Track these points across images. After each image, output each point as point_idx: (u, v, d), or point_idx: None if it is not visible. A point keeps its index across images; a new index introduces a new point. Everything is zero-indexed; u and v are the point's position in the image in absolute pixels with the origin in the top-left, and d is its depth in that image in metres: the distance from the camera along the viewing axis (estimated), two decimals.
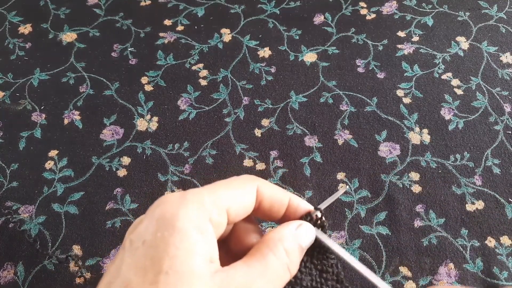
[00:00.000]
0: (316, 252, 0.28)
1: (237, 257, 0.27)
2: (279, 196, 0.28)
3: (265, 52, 0.82)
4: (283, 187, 0.65)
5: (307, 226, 0.27)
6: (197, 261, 0.21)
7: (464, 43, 0.83)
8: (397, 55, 0.81)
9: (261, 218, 0.29)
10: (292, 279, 0.26)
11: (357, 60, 0.81)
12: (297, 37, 0.84)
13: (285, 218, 0.29)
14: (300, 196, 0.65)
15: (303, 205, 0.29)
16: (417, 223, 0.63)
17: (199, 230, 0.22)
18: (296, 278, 0.26)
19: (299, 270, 0.26)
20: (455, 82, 0.77)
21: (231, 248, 0.28)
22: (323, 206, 0.30)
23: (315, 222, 0.29)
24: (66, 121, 0.75)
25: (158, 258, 0.20)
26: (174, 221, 0.21)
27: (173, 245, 0.21)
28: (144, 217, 0.23)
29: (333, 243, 0.28)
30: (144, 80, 0.79)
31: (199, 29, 0.86)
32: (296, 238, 0.26)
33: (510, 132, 0.72)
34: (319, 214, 0.29)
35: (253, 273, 0.23)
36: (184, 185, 0.67)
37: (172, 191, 0.67)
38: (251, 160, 0.70)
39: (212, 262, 0.22)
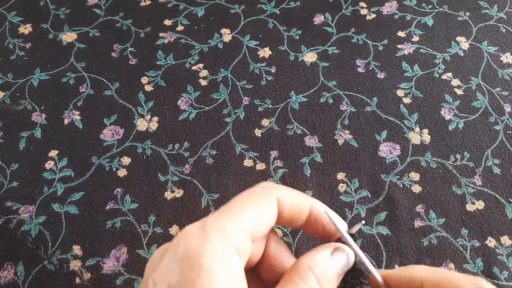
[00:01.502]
0: (350, 277, 0.25)
1: (270, 285, 0.25)
2: (300, 205, 0.26)
3: (265, 52, 0.82)
4: None
5: (345, 251, 0.25)
6: None
7: (464, 43, 0.83)
8: (397, 55, 0.81)
9: (281, 225, 0.27)
10: None
11: (357, 60, 0.81)
12: (297, 37, 0.84)
13: (307, 224, 0.27)
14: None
15: (323, 213, 0.27)
16: (417, 223, 0.63)
17: (226, 265, 0.21)
18: None
19: None
20: (455, 82, 0.77)
21: (263, 276, 0.27)
22: (354, 229, 0.27)
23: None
24: (66, 121, 0.75)
25: None
26: (199, 260, 0.20)
27: (200, 286, 0.19)
28: (165, 254, 0.22)
29: (372, 267, 0.25)
30: (144, 80, 0.79)
31: (199, 29, 0.86)
32: (331, 264, 0.24)
33: (510, 132, 0.72)
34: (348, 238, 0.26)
35: None
36: (184, 185, 0.67)
37: (172, 191, 0.67)
38: (251, 160, 0.70)
39: None
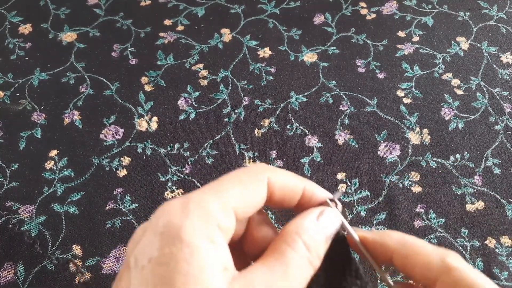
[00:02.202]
0: (333, 246, 0.25)
1: (253, 258, 0.25)
2: (292, 186, 0.25)
3: (265, 52, 0.82)
4: None
5: (331, 213, 0.25)
6: (211, 274, 0.20)
7: (464, 43, 0.83)
8: (397, 55, 0.81)
9: (273, 207, 0.26)
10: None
11: (357, 60, 0.81)
12: (297, 37, 0.84)
13: (300, 206, 0.26)
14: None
15: (318, 193, 0.26)
16: (417, 223, 0.63)
17: (208, 239, 0.20)
18: (313, 275, 0.23)
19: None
20: (455, 82, 0.77)
21: (246, 251, 0.26)
22: (336, 197, 0.27)
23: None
24: (66, 121, 0.75)
25: (169, 276, 0.19)
26: (180, 234, 0.20)
27: (183, 260, 0.19)
28: (146, 230, 0.21)
29: (355, 234, 0.25)
30: (144, 80, 0.79)
31: (199, 29, 0.86)
32: (318, 228, 0.24)
33: (510, 132, 0.72)
34: (333, 204, 0.26)
35: (274, 275, 0.21)
36: (184, 185, 0.67)
37: (172, 191, 0.67)
38: (251, 160, 0.70)
39: (227, 270, 0.20)
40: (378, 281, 0.58)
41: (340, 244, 0.26)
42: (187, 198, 0.22)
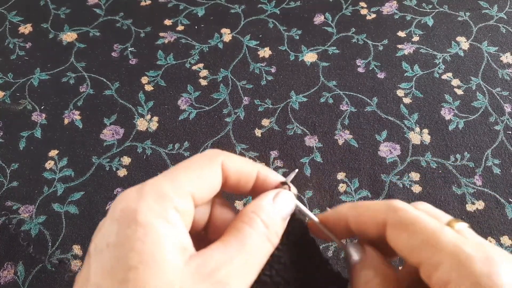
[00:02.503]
0: (292, 229, 0.26)
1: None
2: (246, 170, 0.26)
3: (265, 52, 0.82)
4: None
5: (286, 194, 0.26)
6: (166, 250, 0.20)
7: (464, 43, 0.83)
8: (397, 55, 0.81)
9: (229, 192, 0.27)
10: (270, 257, 0.24)
11: (357, 60, 0.81)
12: (297, 37, 0.84)
13: (255, 190, 0.27)
14: (299, 196, 0.64)
15: (272, 176, 0.27)
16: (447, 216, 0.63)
17: (164, 220, 0.21)
18: (273, 256, 0.24)
19: (276, 248, 0.25)
20: (455, 82, 0.77)
21: (211, 237, 0.27)
22: (289, 179, 0.28)
23: None
24: (66, 121, 0.75)
25: (124, 256, 0.19)
26: (135, 217, 0.20)
27: (138, 240, 0.19)
28: (105, 219, 0.22)
29: (312, 214, 0.27)
30: (144, 80, 0.79)
31: (199, 29, 0.86)
32: (275, 208, 0.25)
33: (510, 132, 0.71)
34: (287, 187, 0.28)
35: (230, 250, 0.21)
36: None
37: None
38: (251, 160, 0.70)
39: (185, 250, 0.21)
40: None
41: (298, 227, 0.27)
42: (143, 184, 0.22)
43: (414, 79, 0.78)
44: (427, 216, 0.23)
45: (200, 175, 0.24)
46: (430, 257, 0.21)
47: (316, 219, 0.27)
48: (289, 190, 0.27)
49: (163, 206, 0.21)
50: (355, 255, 0.25)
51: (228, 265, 0.21)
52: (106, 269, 0.19)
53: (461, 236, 0.21)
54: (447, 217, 0.24)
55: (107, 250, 0.20)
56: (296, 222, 0.27)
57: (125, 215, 0.20)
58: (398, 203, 0.24)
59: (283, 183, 0.27)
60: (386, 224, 0.24)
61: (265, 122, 0.74)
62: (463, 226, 0.23)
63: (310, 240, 0.27)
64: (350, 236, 0.27)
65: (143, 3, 0.90)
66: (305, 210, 0.27)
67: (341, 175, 0.68)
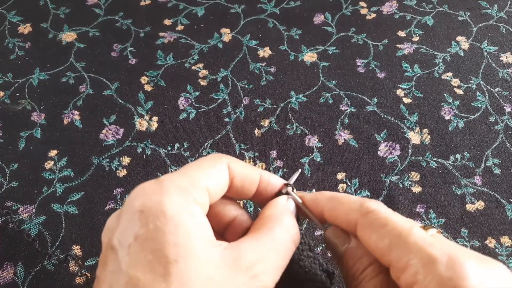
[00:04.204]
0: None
1: (219, 235, 0.26)
2: (250, 173, 0.27)
3: (265, 52, 0.82)
4: None
5: (291, 196, 0.28)
6: (200, 244, 0.20)
7: (464, 43, 0.83)
8: (397, 55, 0.81)
9: (233, 196, 0.28)
10: None
11: (357, 60, 0.81)
12: (297, 37, 0.84)
13: (258, 194, 0.28)
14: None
15: (273, 180, 0.28)
16: (417, 223, 0.63)
17: (189, 213, 0.21)
18: None
19: None
20: (455, 82, 0.77)
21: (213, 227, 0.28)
22: (291, 181, 0.29)
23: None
24: (66, 121, 0.75)
25: (160, 249, 0.19)
26: (162, 209, 0.20)
27: (170, 233, 0.19)
28: (120, 215, 0.21)
29: (297, 197, 0.28)
30: (144, 80, 0.79)
31: (199, 29, 0.86)
32: (288, 207, 0.26)
33: (510, 132, 0.71)
34: (290, 189, 0.29)
35: (264, 248, 0.22)
36: None
37: None
38: (251, 160, 0.70)
39: (213, 242, 0.21)
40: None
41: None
42: (159, 179, 0.22)
43: (414, 79, 0.78)
44: (399, 217, 0.24)
45: (211, 173, 0.24)
46: (398, 259, 0.21)
47: (300, 200, 0.29)
48: (293, 191, 0.28)
49: (185, 199, 0.21)
50: (340, 243, 0.26)
51: (263, 261, 0.21)
52: (142, 262, 0.19)
53: (429, 237, 0.22)
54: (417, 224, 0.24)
55: (136, 243, 0.20)
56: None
57: (149, 208, 0.20)
58: (371, 204, 0.24)
59: (287, 185, 0.29)
60: (356, 223, 0.24)
61: (265, 122, 0.73)
62: (432, 231, 0.23)
63: (303, 235, 0.28)
64: (325, 222, 0.28)
65: (142, 3, 0.90)
66: (293, 194, 0.29)
67: (341, 175, 0.68)
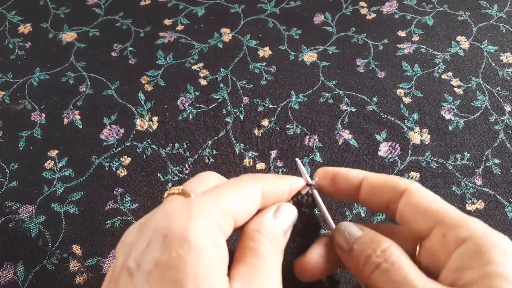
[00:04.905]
0: (308, 230, 0.28)
1: None
2: (281, 191, 0.27)
3: (265, 52, 0.82)
4: None
5: (286, 207, 0.26)
6: (218, 278, 0.20)
7: (464, 42, 0.83)
8: (397, 54, 0.81)
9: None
10: (284, 262, 0.25)
11: (357, 60, 0.81)
12: (297, 37, 0.84)
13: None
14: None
15: (300, 185, 0.28)
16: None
17: (214, 242, 0.20)
18: (288, 261, 0.26)
19: (291, 252, 0.26)
20: (455, 81, 0.77)
21: None
22: (306, 176, 0.29)
23: (304, 198, 0.28)
24: (66, 121, 0.75)
25: (179, 280, 0.19)
26: (187, 236, 0.19)
27: (192, 264, 0.19)
28: (142, 232, 0.21)
29: (329, 218, 0.27)
30: (144, 79, 0.79)
31: (199, 29, 0.86)
32: (275, 223, 0.25)
33: (510, 132, 0.71)
34: (315, 192, 0.28)
35: (261, 272, 0.22)
36: None
37: None
38: (251, 160, 0.70)
39: (226, 273, 0.21)
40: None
41: (314, 230, 0.28)
42: (189, 201, 0.22)
43: (414, 78, 0.78)
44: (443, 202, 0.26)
45: (242, 199, 0.24)
46: (454, 233, 0.23)
47: (321, 203, 0.28)
48: (315, 188, 0.28)
49: (212, 226, 0.21)
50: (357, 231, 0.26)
51: (268, 286, 0.22)
52: None
53: (487, 226, 0.23)
54: None
55: (156, 271, 0.19)
56: (310, 226, 0.28)
57: (173, 233, 0.20)
58: (416, 187, 0.26)
59: (309, 185, 0.28)
60: (399, 200, 0.26)
61: (265, 121, 0.73)
62: None
63: (315, 225, 0.28)
64: (348, 199, 0.28)
65: (142, 3, 0.90)
66: (316, 196, 0.28)
67: None
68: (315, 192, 0.28)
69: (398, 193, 0.26)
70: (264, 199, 0.25)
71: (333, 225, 0.27)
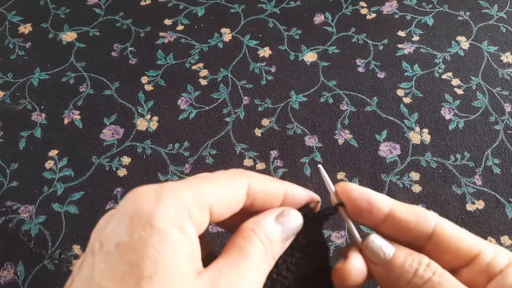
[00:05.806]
0: (310, 252, 0.25)
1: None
2: (272, 191, 0.25)
3: (265, 52, 0.82)
4: None
5: (291, 214, 0.24)
6: (181, 263, 0.19)
7: (464, 42, 0.83)
8: (397, 54, 0.81)
9: (257, 213, 0.25)
10: (275, 275, 0.23)
11: (357, 60, 0.81)
12: (297, 37, 0.84)
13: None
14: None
15: (298, 193, 0.26)
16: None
17: (180, 229, 0.20)
18: (280, 275, 0.23)
19: (287, 267, 0.24)
20: (455, 81, 0.77)
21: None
22: (332, 189, 0.26)
23: (313, 213, 0.25)
24: (66, 121, 0.75)
25: (137, 262, 0.18)
26: (151, 220, 0.19)
27: (153, 246, 0.18)
28: (114, 214, 0.20)
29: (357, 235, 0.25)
30: (144, 79, 0.79)
31: (199, 29, 0.86)
32: (275, 228, 0.23)
33: (510, 132, 0.71)
34: (342, 210, 0.26)
35: (239, 268, 0.21)
36: None
37: None
38: (251, 159, 0.70)
39: (195, 264, 0.20)
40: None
41: (319, 251, 0.25)
42: (161, 186, 0.21)
43: (414, 78, 0.78)
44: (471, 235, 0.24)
45: (223, 190, 0.22)
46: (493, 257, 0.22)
47: (350, 222, 0.25)
48: (344, 208, 0.26)
49: (180, 214, 0.20)
50: (389, 247, 0.24)
51: (239, 282, 0.20)
52: (117, 274, 0.18)
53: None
54: None
55: (116, 251, 0.19)
56: (318, 246, 0.25)
57: (139, 216, 0.19)
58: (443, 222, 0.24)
59: (340, 205, 0.26)
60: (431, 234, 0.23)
61: (265, 121, 0.74)
62: None
63: (327, 268, 0.25)
64: (367, 225, 0.25)
65: (143, 3, 0.90)
66: (345, 216, 0.25)
67: (341, 175, 0.68)
68: (342, 210, 0.25)
69: (427, 233, 0.24)
70: (251, 198, 0.24)
71: (360, 239, 0.24)
